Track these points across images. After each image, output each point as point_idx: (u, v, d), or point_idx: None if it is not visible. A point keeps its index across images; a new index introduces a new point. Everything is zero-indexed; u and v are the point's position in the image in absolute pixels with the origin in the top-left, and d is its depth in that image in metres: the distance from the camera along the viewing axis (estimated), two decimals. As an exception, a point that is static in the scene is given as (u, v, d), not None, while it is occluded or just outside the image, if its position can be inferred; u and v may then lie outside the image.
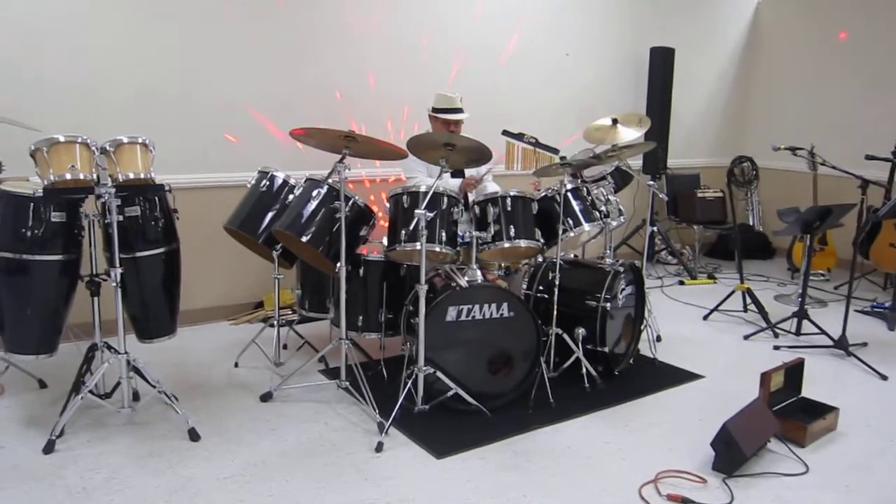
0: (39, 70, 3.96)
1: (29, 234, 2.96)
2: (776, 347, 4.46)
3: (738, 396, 3.37)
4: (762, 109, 7.04)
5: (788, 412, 3.38)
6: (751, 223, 6.78)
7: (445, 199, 3.45)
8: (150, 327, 3.37)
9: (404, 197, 3.45)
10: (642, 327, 4.19)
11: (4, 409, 3.38)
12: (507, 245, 3.53)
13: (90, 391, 3.21)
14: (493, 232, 3.53)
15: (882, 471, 3.06)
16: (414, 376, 3.33)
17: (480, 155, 3.41)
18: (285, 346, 4.22)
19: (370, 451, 3.07)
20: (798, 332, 4.68)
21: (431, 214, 3.19)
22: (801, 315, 4.67)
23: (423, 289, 3.24)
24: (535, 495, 2.78)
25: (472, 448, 3.12)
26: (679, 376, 4.01)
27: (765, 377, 3.36)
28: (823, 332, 4.44)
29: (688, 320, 5.04)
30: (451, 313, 3.36)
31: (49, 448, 2.98)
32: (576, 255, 4.18)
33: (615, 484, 2.88)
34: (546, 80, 5.85)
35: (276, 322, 3.93)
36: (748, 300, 4.99)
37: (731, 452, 2.97)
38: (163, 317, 3.39)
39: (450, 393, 3.34)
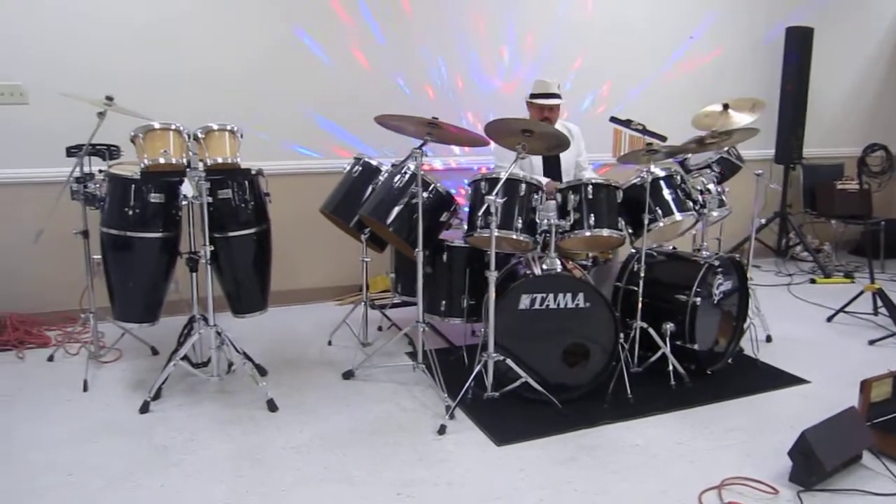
0: (160, 65, 4.33)
1: (131, 213, 3.26)
2: (904, 355, 4.05)
3: (843, 405, 3.05)
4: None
5: (893, 426, 3.07)
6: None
7: (524, 186, 3.41)
8: (242, 303, 3.60)
9: (482, 183, 3.46)
10: (745, 326, 3.94)
11: (119, 372, 3.73)
12: (588, 234, 3.44)
13: (188, 360, 3.51)
14: (572, 220, 3.45)
15: None
16: (484, 362, 3.33)
17: (559, 142, 3.34)
18: (380, 328, 4.36)
19: (433, 434, 3.12)
20: (934, 341, 4.22)
21: (501, 201, 3.16)
22: (939, 320, 4.21)
23: (492, 275, 3.23)
24: (586, 490, 2.71)
25: (534, 438, 3.08)
26: (781, 380, 3.74)
27: (865, 385, 3.06)
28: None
29: (809, 321, 4.68)
30: (525, 301, 3.33)
31: (144, 408, 3.27)
32: (674, 247, 3.98)
33: (675, 486, 2.74)
34: (667, 65, 5.60)
35: (364, 303, 4.06)
36: (879, 302, 4.55)
37: (810, 464, 2.74)
38: (254, 293, 3.61)
39: (519, 381, 3.31)
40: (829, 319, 4.66)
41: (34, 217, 3.86)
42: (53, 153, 3.72)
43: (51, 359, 3.86)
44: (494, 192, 3.14)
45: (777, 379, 3.75)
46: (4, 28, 4.03)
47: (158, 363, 3.78)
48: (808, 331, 4.50)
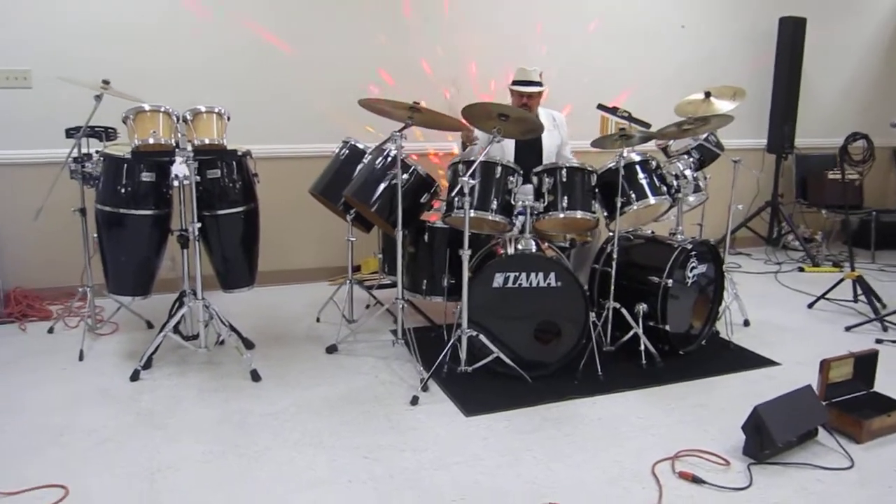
0: (159, 55, 4.52)
1: (123, 190, 3.42)
2: (878, 341, 4.12)
3: (806, 386, 3.20)
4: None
5: (852, 405, 3.16)
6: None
7: (499, 169, 3.54)
8: (230, 279, 3.75)
9: (460, 166, 3.58)
10: (720, 310, 4.04)
11: (115, 344, 3.91)
12: (561, 216, 3.56)
13: (179, 333, 3.69)
14: (546, 202, 3.57)
15: (939, 475, 2.81)
16: (457, 337, 3.47)
17: (534, 126, 3.46)
18: (367, 306, 4.51)
19: (405, 404, 3.26)
20: (911, 327, 4.29)
21: (473, 182, 3.29)
22: (915, 308, 4.28)
23: (465, 253, 3.36)
24: (544, 458, 2.84)
25: (503, 410, 3.22)
26: (751, 362, 3.84)
27: (824, 364, 3.16)
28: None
29: (790, 307, 4.76)
30: (498, 279, 3.45)
31: (134, 376, 3.45)
32: (653, 231, 4.09)
33: (631, 457, 2.86)
34: (660, 54, 5.69)
35: (349, 281, 4.21)
36: (859, 290, 4.62)
37: (762, 437, 2.85)
38: (242, 269, 3.76)
39: (492, 357, 3.45)
40: (810, 306, 4.74)
41: (37, 196, 4.03)
42: (54, 135, 3.90)
43: (51, 331, 4.05)
44: (467, 174, 3.26)
45: (747, 361, 3.85)
46: (14, 14, 4.21)
47: (153, 336, 3.92)
48: (788, 316, 4.59)
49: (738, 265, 5.79)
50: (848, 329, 4.33)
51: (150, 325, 4.13)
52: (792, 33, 5.76)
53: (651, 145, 4.47)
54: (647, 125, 4.05)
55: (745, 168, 4.10)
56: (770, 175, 6.06)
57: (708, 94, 4.29)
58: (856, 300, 4.67)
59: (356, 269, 5.19)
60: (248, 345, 3.84)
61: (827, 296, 4.73)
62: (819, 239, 6.11)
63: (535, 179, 3.65)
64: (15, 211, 4.33)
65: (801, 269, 5.63)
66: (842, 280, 4.69)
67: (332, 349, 3.85)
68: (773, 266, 5.73)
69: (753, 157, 6.05)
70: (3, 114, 4.30)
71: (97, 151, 3.66)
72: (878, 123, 6.24)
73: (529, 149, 4.30)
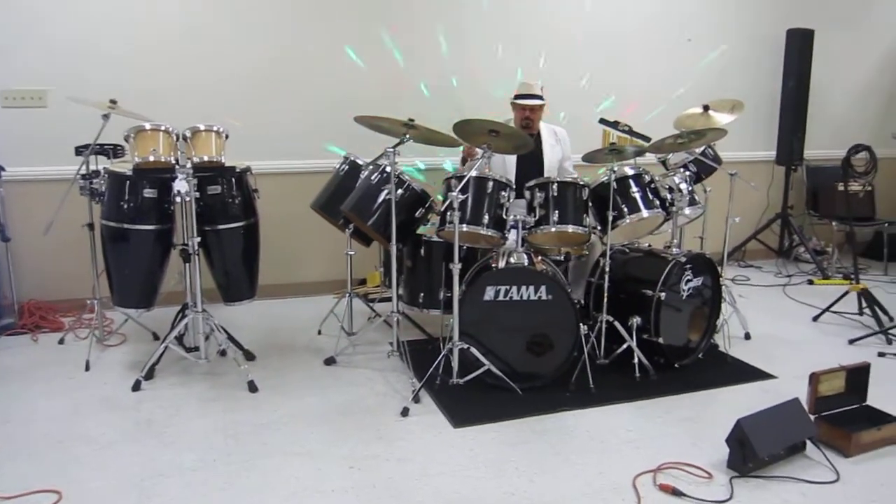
0: (165, 75, 4.66)
1: (126, 206, 3.54)
2: (881, 354, 4.09)
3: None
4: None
5: (843, 419, 3.15)
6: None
7: (491, 184, 3.59)
8: (232, 292, 3.86)
9: (453, 181, 3.64)
10: (718, 322, 4.04)
11: (121, 354, 4.03)
12: (553, 230, 3.60)
13: (182, 345, 3.79)
14: (538, 216, 3.61)
15: (925, 490, 2.78)
16: (449, 350, 3.52)
17: (524, 142, 3.51)
18: (369, 319, 4.58)
19: (397, 415, 3.32)
20: (915, 340, 4.25)
21: (462, 197, 3.35)
22: (918, 321, 4.24)
23: (456, 267, 3.42)
24: (527, 470, 2.87)
25: (492, 422, 3.25)
26: (747, 375, 3.84)
27: (813, 378, 3.15)
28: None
29: (795, 320, 4.74)
30: (489, 293, 3.50)
31: (136, 386, 3.55)
32: (650, 245, 4.11)
33: (614, 469, 2.88)
34: (666, 68, 5.71)
35: (349, 294, 4.29)
36: (864, 303, 4.58)
37: (745, 451, 2.85)
38: (243, 282, 3.87)
39: (482, 369, 3.49)
40: (815, 319, 4.70)
41: (50, 211, 4.17)
42: (65, 153, 4.04)
43: (61, 342, 4.18)
44: (456, 189, 3.33)
45: (744, 374, 3.84)
46: (31, 34, 4.39)
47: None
48: (792, 329, 4.56)
49: (747, 278, 5.76)
50: (851, 342, 4.29)
51: (156, 337, 4.24)
52: (800, 45, 5.74)
53: (652, 158, 4.50)
54: (648, 139, 4.08)
55: (743, 180, 4.09)
56: (780, 187, 6.03)
57: (706, 108, 4.32)
58: (861, 313, 4.63)
59: (362, 282, 5.29)
60: (249, 356, 3.93)
61: (835, 309, 4.69)
62: (830, 251, 6.06)
63: (527, 194, 3.70)
64: (30, 226, 4.47)
65: (811, 282, 5.59)
66: (846, 293, 4.65)
67: (329, 361, 3.92)
68: (783, 279, 5.69)
69: (763, 169, 6.03)
70: (19, 132, 4.47)
71: (104, 168, 3.79)
72: (886, 135, 6.22)
73: (531, 164, 4.34)
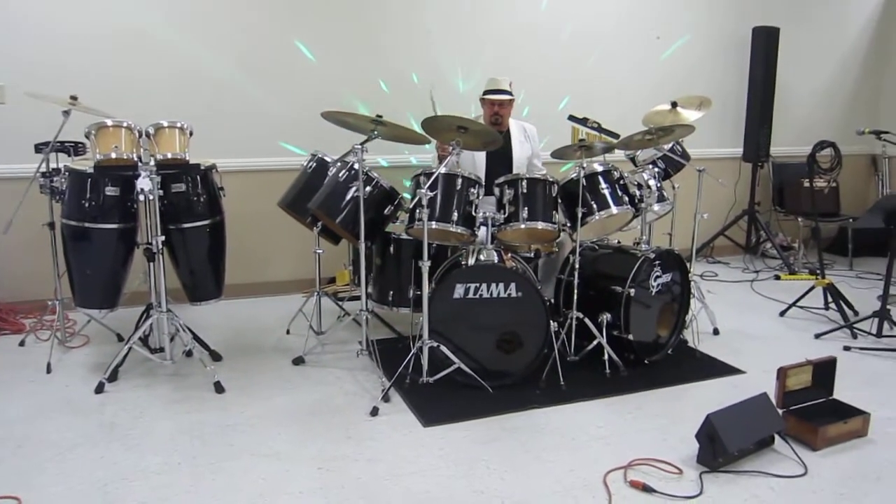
0: (129, 68, 4.56)
1: (87, 205, 3.46)
2: (846, 348, 4.14)
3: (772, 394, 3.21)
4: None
5: (810, 413, 3.18)
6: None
7: (460, 181, 3.57)
8: (198, 291, 3.79)
9: (422, 178, 3.61)
10: (687, 318, 4.06)
11: (83, 356, 3.94)
12: (522, 226, 3.59)
13: (146, 346, 3.72)
14: (507, 213, 3.60)
15: (890, 483, 2.81)
16: (419, 348, 3.49)
17: (493, 138, 3.50)
18: (339, 318, 4.52)
19: (366, 415, 3.28)
20: (879, 334, 4.29)
21: (431, 194, 3.32)
22: (883, 315, 4.29)
23: (426, 265, 3.39)
24: (498, 468, 2.86)
25: (462, 420, 3.23)
26: (716, 370, 3.86)
27: (781, 372, 3.18)
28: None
29: (762, 315, 4.78)
30: (459, 290, 3.48)
31: (99, 388, 3.47)
32: (619, 241, 4.12)
33: (584, 466, 2.88)
34: (634, 65, 5.73)
35: (317, 293, 4.24)
36: (829, 297, 4.64)
37: (714, 446, 2.86)
38: (209, 282, 3.81)
39: (452, 367, 3.47)
40: (782, 314, 4.75)
41: (8, 210, 4.07)
42: (25, 150, 3.93)
43: (22, 344, 4.08)
44: (425, 186, 3.30)
45: (712, 369, 3.87)
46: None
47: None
48: (759, 325, 4.61)
49: (715, 273, 5.81)
50: (817, 336, 4.34)
51: (120, 338, 4.15)
52: (765, 43, 5.80)
53: (621, 155, 4.52)
54: (616, 136, 4.09)
55: (711, 177, 4.11)
56: (747, 184, 6.09)
57: (674, 104, 4.34)
58: (827, 308, 4.68)
59: (331, 280, 5.23)
60: (216, 357, 3.87)
61: (800, 303, 4.74)
62: (796, 247, 6.14)
63: (496, 191, 3.68)
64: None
65: (778, 278, 5.65)
66: (812, 288, 4.71)
67: (298, 361, 3.87)
68: (750, 274, 5.75)
69: (730, 165, 6.08)
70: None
71: (65, 166, 3.70)
72: (850, 132, 6.30)
73: (500, 160, 4.33)
